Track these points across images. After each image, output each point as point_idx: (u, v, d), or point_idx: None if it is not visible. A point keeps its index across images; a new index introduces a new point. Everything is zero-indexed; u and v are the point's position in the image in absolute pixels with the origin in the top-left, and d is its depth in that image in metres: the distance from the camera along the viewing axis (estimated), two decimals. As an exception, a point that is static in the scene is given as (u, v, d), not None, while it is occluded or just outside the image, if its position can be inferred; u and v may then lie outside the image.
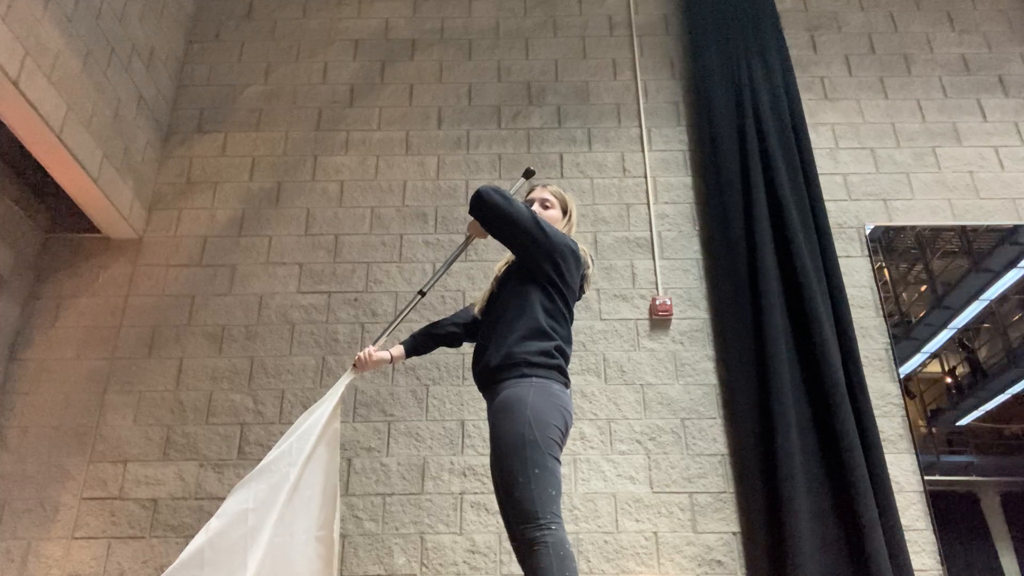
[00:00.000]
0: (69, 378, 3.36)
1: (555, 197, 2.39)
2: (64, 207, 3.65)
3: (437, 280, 2.49)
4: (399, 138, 3.95)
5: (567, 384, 2.09)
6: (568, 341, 2.16)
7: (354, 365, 2.37)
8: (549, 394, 1.98)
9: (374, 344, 2.39)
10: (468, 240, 2.40)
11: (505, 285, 2.23)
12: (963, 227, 3.67)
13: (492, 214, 2.13)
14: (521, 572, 1.85)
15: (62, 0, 3.08)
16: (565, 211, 2.38)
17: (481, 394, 2.17)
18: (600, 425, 3.26)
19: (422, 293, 2.46)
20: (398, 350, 2.41)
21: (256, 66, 4.16)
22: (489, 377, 2.07)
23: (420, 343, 2.44)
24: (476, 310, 2.38)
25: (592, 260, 2.36)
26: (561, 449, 1.98)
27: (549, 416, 1.93)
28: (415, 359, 2.69)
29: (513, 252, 2.22)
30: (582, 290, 2.30)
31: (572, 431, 2.89)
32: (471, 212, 2.19)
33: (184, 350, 3.44)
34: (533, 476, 1.84)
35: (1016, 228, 3.65)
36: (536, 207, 2.34)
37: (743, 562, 3.00)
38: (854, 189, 3.79)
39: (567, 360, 2.13)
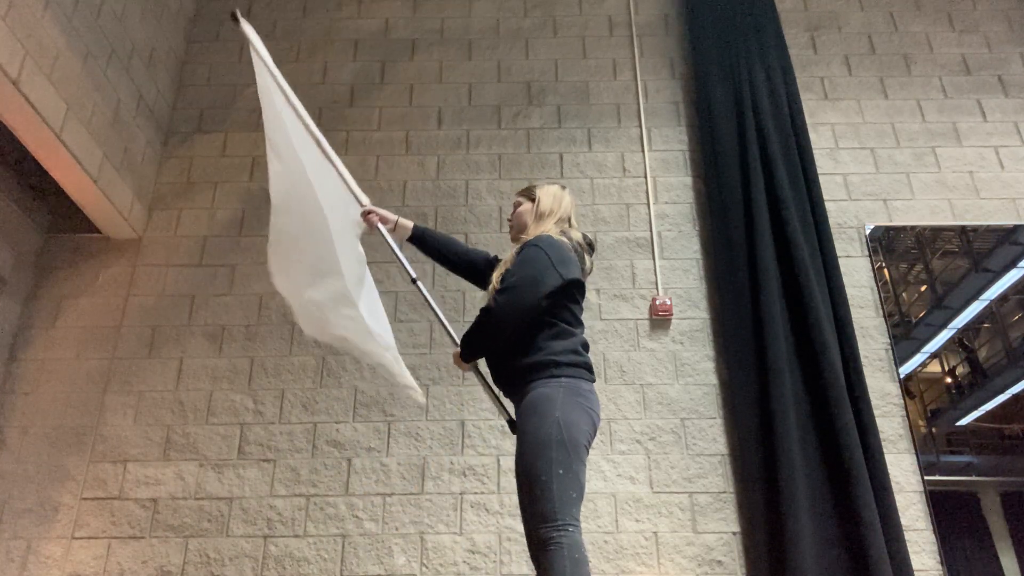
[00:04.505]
0: (69, 378, 3.36)
1: (521, 195, 2.37)
2: (64, 207, 3.65)
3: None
4: (399, 138, 3.95)
5: (593, 381, 2.08)
6: (583, 335, 2.16)
7: (366, 213, 2.41)
8: (578, 394, 1.97)
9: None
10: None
11: None
12: (963, 227, 3.67)
13: (485, 342, 2.11)
14: (522, 572, 1.85)
15: (62, 0, 3.08)
16: (533, 199, 2.33)
17: (508, 398, 2.16)
18: (600, 425, 3.26)
19: (414, 281, 2.42)
20: (407, 224, 2.43)
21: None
22: (518, 379, 2.05)
23: (433, 240, 2.43)
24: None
25: (587, 243, 2.30)
26: (588, 451, 1.96)
27: (578, 417, 1.92)
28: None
29: (538, 315, 2.11)
30: (589, 272, 2.31)
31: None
32: (469, 358, 2.17)
33: (184, 350, 3.44)
34: (556, 477, 1.83)
35: (1016, 228, 3.65)
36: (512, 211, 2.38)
37: (743, 562, 3.00)
38: (854, 189, 3.79)
39: (588, 353, 2.14)
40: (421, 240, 2.44)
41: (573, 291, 2.13)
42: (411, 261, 2.51)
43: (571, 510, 1.82)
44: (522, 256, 2.11)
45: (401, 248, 2.45)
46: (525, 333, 2.06)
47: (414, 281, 2.37)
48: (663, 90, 4.10)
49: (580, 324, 2.14)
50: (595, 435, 2.01)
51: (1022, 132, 3.93)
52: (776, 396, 3.10)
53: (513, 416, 2.28)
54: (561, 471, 1.83)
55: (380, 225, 2.43)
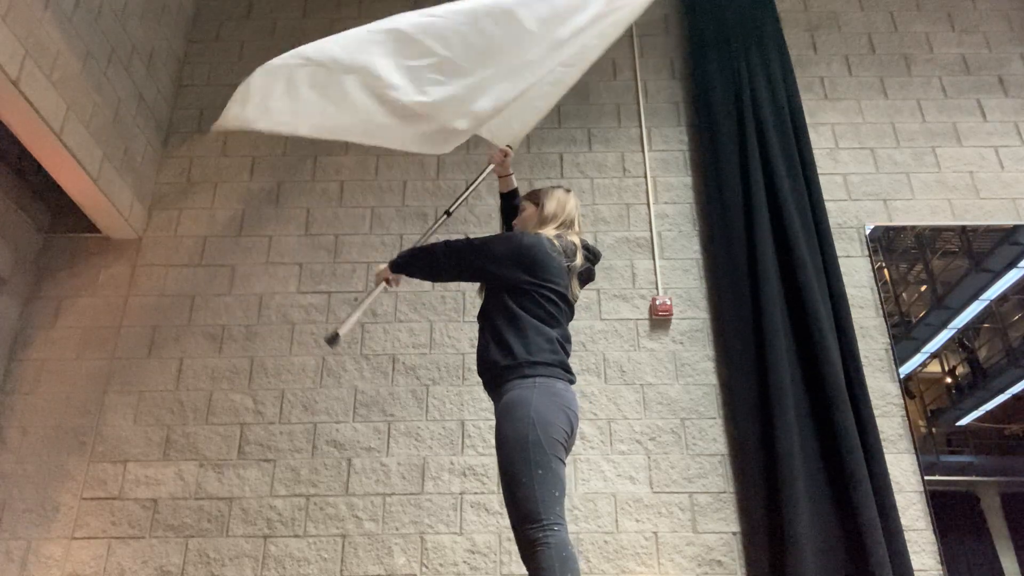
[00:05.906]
0: (69, 378, 3.36)
1: (526, 200, 2.43)
2: (64, 207, 3.65)
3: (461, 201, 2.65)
4: (399, 138, 3.95)
5: (572, 381, 2.08)
6: (566, 336, 2.16)
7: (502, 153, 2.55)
8: (552, 394, 1.97)
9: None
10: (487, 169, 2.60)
11: (491, 289, 2.23)
12: (963, 227, 3.67)
13: (418, 262, 2.31)
14: (522, 572, 1.85)
15: (62, 0, 3.08)
16: (537, 203, 2.36)
17: (488, 395, 2.17)
18: (600, 425, 3.26)
19: (448, 213, 2.60)
20: (513, 184, 2.62)
21: (256, 66, 4.14)
22: (494, 379, 2.07)
23: (515, 202, 2.59)
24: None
25: (583, 246, 2.29)
26: (567, 450, 1.97)
27: (553, 416, 1.93)
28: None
29: (475, 280, 2.31)
30: (587, 277, 2.32)
31: (572, 431, 2.88)
32: (397, 270, 2.37)
33: (184, 350, 3.44)
34: (536, 477, 1.84)
35: (1016, 228, 3.65)
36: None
37: (743, 562, 3.00)
38: (854, 189, 3.79)
39: (568, 353, 2.13)
40: (509, 197, 2.62)
41: (546, 291, 2.12)
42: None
43: (555, 508, 1.83)
44: (504, 233, 2.24)
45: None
46: (499, 329, 2.09)
47: (447, 213, 2.59)
48: (663, 90, 4.09)
49: (558, 323, 2.14)
50: (574, 433, 2.01)
51: (1022, 132, 3.93)
52: (776, 396, 3.10)
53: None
54: (541, 471, 1.85)
55: (493, 166, 2.57)
